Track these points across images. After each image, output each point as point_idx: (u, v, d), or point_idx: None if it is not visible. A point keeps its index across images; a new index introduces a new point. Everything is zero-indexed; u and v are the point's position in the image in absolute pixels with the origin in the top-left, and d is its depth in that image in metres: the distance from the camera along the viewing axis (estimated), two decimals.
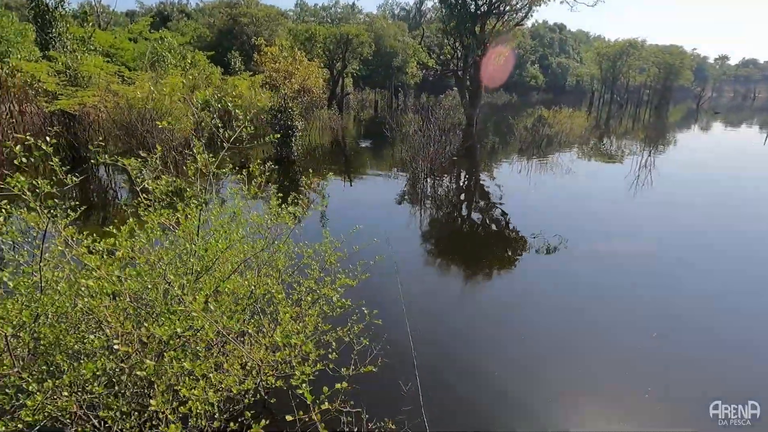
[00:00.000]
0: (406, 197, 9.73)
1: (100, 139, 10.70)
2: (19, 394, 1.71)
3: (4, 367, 1.66)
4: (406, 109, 16.09)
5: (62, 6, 12.88)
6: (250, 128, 2.84)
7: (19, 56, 15.43)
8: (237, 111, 2.89)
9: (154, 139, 11.51)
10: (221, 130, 2.76)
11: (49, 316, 1.80)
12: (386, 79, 42.52)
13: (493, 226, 8.03)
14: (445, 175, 12.03)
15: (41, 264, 1.89)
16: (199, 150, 2.55)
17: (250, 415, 1.98)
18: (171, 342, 1.80)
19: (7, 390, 1.71)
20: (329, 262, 3.07)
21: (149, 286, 1.89)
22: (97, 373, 1.68)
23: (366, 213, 8.59)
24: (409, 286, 5.13)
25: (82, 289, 1.75)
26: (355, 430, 2.77)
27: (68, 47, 12.81)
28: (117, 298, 1.93)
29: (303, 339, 2.06)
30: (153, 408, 1.57)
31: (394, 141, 12.65)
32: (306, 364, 2.12)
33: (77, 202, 2.38)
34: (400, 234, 7.38)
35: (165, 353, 1.84)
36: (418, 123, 11.56)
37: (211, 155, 3.16)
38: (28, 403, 1.61)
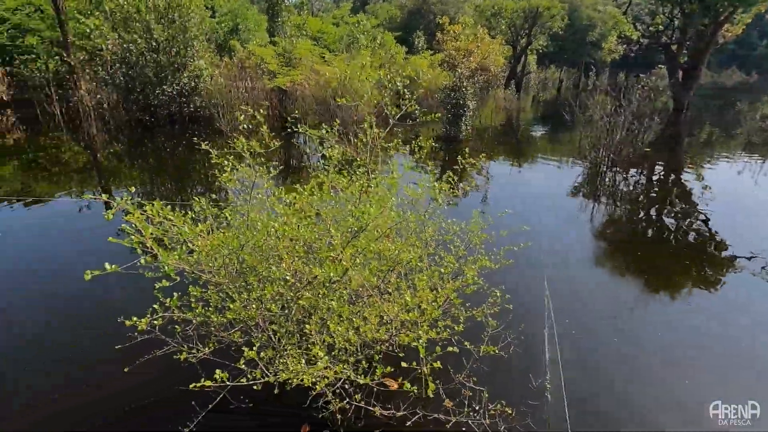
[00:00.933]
0: (578, 189, 8.81)
1: (296, 111, 12.69)
2: (227, 299, 2.36)
3: (221, 278, 2.32)
4: (596, 90, 14.27)
5: None
6: (414, 106, 3.02)
7: (255, 42, 19.30)
8: (404, 90, 3.09)
9: (342, 113, 13.10)
10: (390, 108, 3.01)
11: (250, 246, 2.37)
12: (577, 55, 38.13)
13: (690, 237, 6.63)
14: (633, 169, 10.38)
15: (248, 207, 2.50)
16: (368, 124, 2.86)
17: (378, 358, 2.25)
18: (326, 284, 2.18)
19: (220, 294, 2.39)
20: (473, 242, 3.11)
21: (317, 237, 2.31)
22: (275, 296, 2.19)
23: (528, 201, 8.11)
24: (559, 286, 4.74)
25: (270, 230, 2.25)
26: (476, 407, 2.82)
27: (288, 33, 15.40)
28: (293, 241, 2.40)
29: (434, 307, 2.21)
30: (307, 330, 1.97)
31: (573, 125, 11.46)
32: (434, 330, 2.28)
33: (278, 163, 2.99)
34: (560, 227, 6.80)
35: (320, 291, 2.24)
36: (606, 106, 10.19)
37: (381, 130, 3.49)
38: (231, 306, 2.22)
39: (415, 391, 2.30)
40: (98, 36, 14.18)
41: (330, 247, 2.22)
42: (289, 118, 4.75)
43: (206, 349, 2.28)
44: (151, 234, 1.94)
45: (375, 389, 3.16)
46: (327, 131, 3.02)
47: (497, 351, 2.50)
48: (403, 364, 2.16)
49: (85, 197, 4.45)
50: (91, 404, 3.05)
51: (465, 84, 12.40)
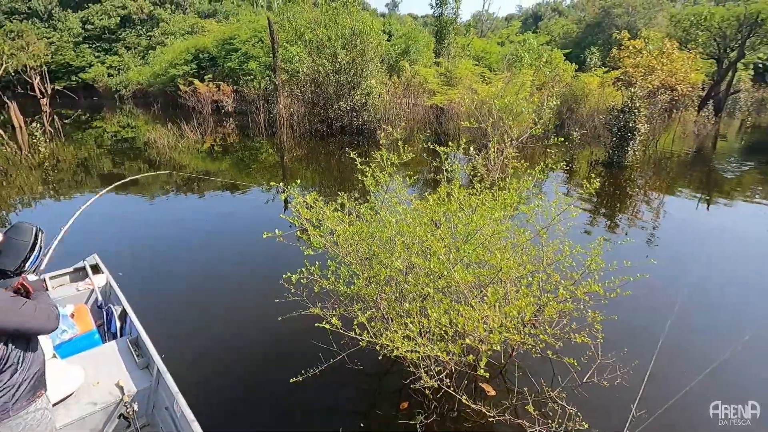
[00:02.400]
0: (759, 229, 7.13)
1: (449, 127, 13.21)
2: (353, 276, 2.97)
3: (352, 259, 2.93)
4: None
5: (456, 21, 16.35)
6: (538, 129, 3.15)
7: (421, 63, 20.79)
8: (523, 110, 3.25)
9: (494, 132, 13.18)
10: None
11: (376, 238, 2.91)
12: None
13: None
14: None
15: (380, 206, 3.06)
16: (493, 144, 3.12)
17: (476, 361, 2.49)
18: (430, 276, 2.55)
19: (349, 271, 3.04)
20: (589, 269, 3.06)
21: (430, 236, 2.70)
22: (388, 279, 2.67)
23: (700, 246, 6.93)
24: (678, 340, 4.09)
25: (392, 226, 2.74)
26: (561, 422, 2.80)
27: (452, 54, 16.21)
28: (409, 237, 2.84)
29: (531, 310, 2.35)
30: (407, 308, 2.38)
31: None
32: (522, 335, 2.42)
33: (424, 173, 3.47)
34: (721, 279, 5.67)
35: (422, 280, 2.62)
36: None
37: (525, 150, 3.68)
38: (356, 281, 2.79)
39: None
40: (297, 60, 17.32)
41: (437, 245, 2.58)
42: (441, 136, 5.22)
43: (334, 312, 2.89)
44: (307, 219, 2.65)
45: (473, 389, 3.39)
46: (466, 149, 3.36)
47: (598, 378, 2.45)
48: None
49: (272, 184, 5.90)
50: (250, 336, 4.09)
51: (638, 104, 11.16)
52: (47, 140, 16.35)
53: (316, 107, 17.51)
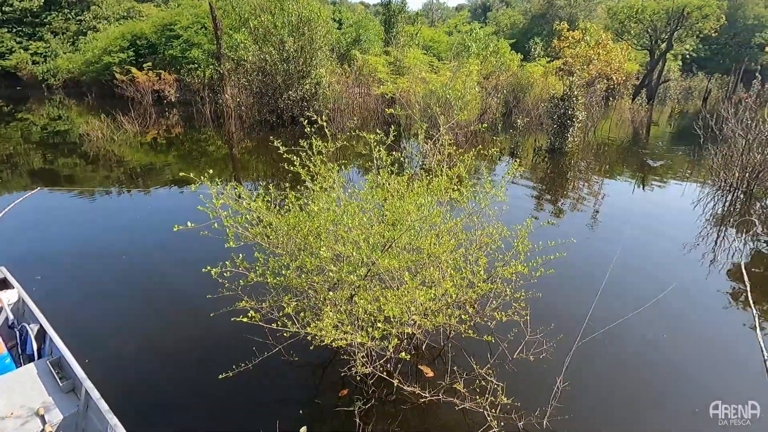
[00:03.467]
0: (689, 212, 7.78)
1: (402, 116, 13.30)
2: (283, 267, 2.93)
3: (280, 250, 2.88)
4: (761, 102, 12.19)
5: (404, 9, 16.32)
6: (464, 116, 3.22)
7: (372, 52, 20.63)
8: (452, 100, 3.32)
9: (447, 120, 13.38)
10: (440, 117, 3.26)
11: (306, 228, 2.88)
12: (736, 60, 32.52)
13: None
14: None
15: (311, 195, 3.04)
16: (420, 131, 3.17)
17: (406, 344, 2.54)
18: (355, 264, 2.57)
19: (280, 261, 2.97)
20: (517, 249, 3.20)
21: (357, 225, 2.72)
22: (318, 269, 2.66)
23: (622, 220, 7.44)
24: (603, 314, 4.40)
25: (318, 216, 2.73)
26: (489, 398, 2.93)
27: (401, 43, 16.21)
28: (340, 226, 2.84)
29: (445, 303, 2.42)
30: (330, 297, 2.39)
31: (703, 141, 10.00)
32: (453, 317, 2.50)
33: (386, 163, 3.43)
34: (645, 251, 6.15)
35: (346, 268, 2.64)
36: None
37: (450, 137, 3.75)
38: (285, 273, 2.75)
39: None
40: (242, 48, 16.67)
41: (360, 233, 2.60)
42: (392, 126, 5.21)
43: (264, 305, 2.85)
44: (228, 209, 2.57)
45: (414, 373, 3.47)
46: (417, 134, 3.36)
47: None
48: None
49: (182, 175, 5.68)
50: (184, 339, 3.95)
51: (575, 93, 11.71)
52: None
53: (264, 97, 16.96)
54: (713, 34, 26.38)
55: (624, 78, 16.57)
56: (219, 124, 18.03)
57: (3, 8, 33.44)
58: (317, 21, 16.18)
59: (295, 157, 3.14)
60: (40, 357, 2.91)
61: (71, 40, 32.79)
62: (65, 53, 31.20)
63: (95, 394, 2.33)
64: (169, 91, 22.91)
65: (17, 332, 3.15)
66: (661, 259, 5.92)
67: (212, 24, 18.91)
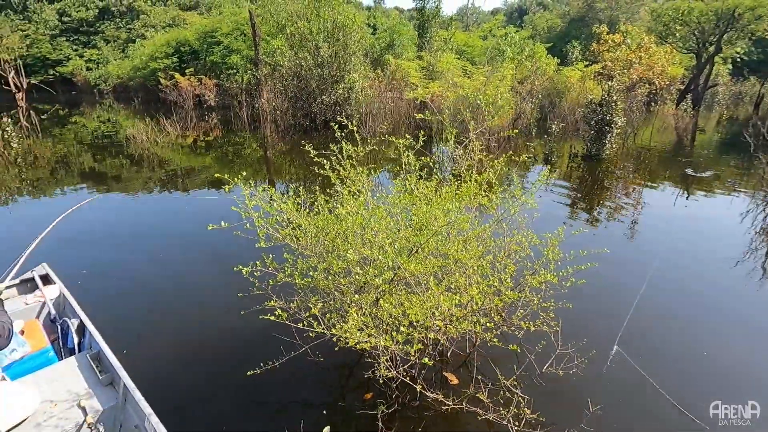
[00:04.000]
0: (736, 225, 7.33)
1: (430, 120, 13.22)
2: (311, 269, 2.99)
3: (308, 250, 2.95)
4: None
5: (438, 14, 16.31)
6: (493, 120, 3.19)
7: (406, 56, 20.73)
8: (483, 105, 3.28)
9: (477, 125, 13.23)
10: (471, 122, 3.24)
11: (335, 230, 2.93)
12: None
13: None
14: None
15: (342, 198, 3.08)
16: (450, 136, 3.16)
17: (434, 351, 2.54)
18: (381, 268, 2.59)
19: (308, 262, 3.03)
20: (547, 257, 3.12)
21: (385, 228, 2.73)
22: (345, 271, 2.70)
23: (662, 231, 7.09)
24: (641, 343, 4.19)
25: (347, 218, 2.77)
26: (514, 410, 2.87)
27: (434, 47, 16.19)
28: (365, 230, 2.87)
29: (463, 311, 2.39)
30: (356, 299, 2.42)
31: (754, 150, 9.41)
32: (478, 325, 2.47)
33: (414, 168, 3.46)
34: (685, 264, 5.82)
35: (371, 271, 2.66)
36: None
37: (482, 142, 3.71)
38: (313, 274, 2.81)
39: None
40: (279, 54, 17.15)
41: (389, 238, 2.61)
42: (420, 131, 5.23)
43: (292, 304, 2.91)
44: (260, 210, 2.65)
45: (438, 379, 3.45)
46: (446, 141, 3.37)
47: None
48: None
49: (217, 176, 5.86)
50: (214, 328, 4.09)
51: (615, 98, 11.31)
52: (23, 136, 15.97)
53: (299, 101, 17.37)
54: (767, 36, 24.80)
55: (667, 83, 15.84)
56: (255, 128, 18.59)
57: (62, 18, 35.92)
58: (352, 27, 16.42)
59: (325, 161, 3.20)
60: (80, 351, 3.01)
61: (122, 47, 34.77)
62: (116, 60, 33.11)
63: (133, 387, 2.41)
64: (209, 96, 23.85)
65: (59, 326, 3.28)
66: (703, 272, 5.61)
67: (251, 30, 19.60)
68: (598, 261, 3.30)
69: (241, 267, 2.72)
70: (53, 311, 3.38)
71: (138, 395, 2.36)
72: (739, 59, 30.13)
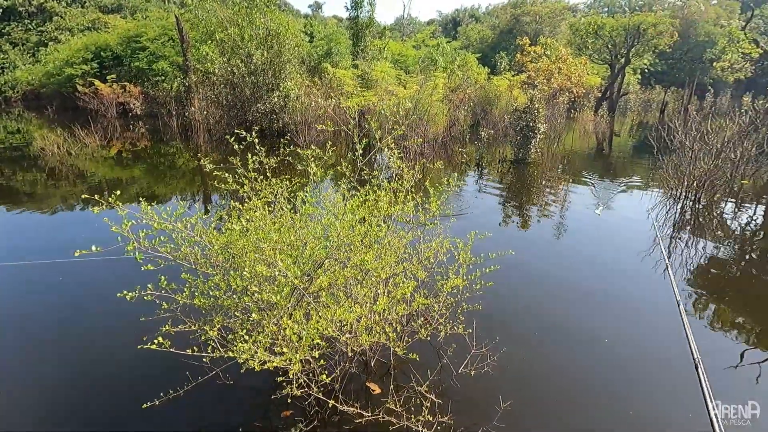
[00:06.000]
0: (643, 221, 8.07)
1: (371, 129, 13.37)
2: (212, 288, 2.84)
3: (212, 270, 2.79)
4: (713, 113, 12.99)
5: (371, 24, 16.51)
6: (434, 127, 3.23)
7: (343, 65, 20.76)
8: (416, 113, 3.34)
9: (412, 132, 13.51)
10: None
11: (236, 246, 2.82)
12: (690, 75, 34.33)
13: None
14: (726, 202, 9.22)
15: (238, 215, 2.98)
16: (359, 145, 3.16)
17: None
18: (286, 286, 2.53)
19: (212, 280, 2.89)
20: (461, 261, 3.21)
21: (290, 243, 2.68)
22: (243, 288, 2.61)
23: (576, 228, 7.64)
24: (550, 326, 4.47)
25: (250, 234, 2.67)
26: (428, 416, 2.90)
27: (369, 56, 16.37)
28: (267, 244, 2.79)
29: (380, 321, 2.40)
30: (255, 317, 2.34)
31: (657, 150, 10.44)
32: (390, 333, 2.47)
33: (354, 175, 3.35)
34: (595, 257, 6.33)
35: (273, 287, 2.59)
36: (729, 130, 8.99)
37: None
38: (213, 293, 2.67)
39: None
40: (209, 61, 16.49)
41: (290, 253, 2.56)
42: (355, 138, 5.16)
43: (194, 326, 2.74)
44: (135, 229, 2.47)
45: (361, 390, 3.41)
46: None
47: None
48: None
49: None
50: (101, 365, 3.75)
51: (536, 105, 12.07)
52: None
53: (233, 110, 16.78)
54: (668, 50, 27.84)
55: (585, 91, 17.22)
56: (187, 137, 17.67)
57: None
58: (286, 34, 16.19)
59: (227, 174, 3.08)
60: None
61: (31, 51, 31.72)
62: (25, 65, 30.13)
63: None
64: (134, 104, 22.37)
65: None
66: (611, 265, 6.09)
67: (179, 36, 18.69)
68: (512, 262, 3.44)
69: (126, 293, 2.51)
70: None
71: None
72: (646, 70, 33.48)
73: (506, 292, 4.78)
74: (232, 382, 3.14)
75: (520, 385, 3.46)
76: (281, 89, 16.00)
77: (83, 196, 3.89)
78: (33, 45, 32.09)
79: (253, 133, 3.32)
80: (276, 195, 3.30)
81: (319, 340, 2.34)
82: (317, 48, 23.62)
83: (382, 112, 10.65)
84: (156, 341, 2.31)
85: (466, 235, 3.61)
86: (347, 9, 17.44)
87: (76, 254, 2.29)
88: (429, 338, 3.14)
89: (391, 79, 14.55)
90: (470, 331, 3.20)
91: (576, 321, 4.52)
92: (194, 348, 2.50)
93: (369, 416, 2.90)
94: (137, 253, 2.46)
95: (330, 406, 3.19)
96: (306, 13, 54.56)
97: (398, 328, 2.81)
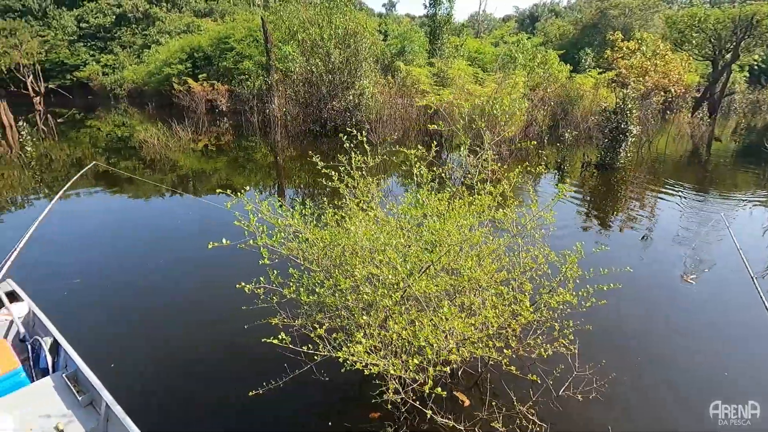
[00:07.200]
0: (758, 237, 7.06)
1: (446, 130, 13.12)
2: (317, 285, 2.87)
3: (314, 266, 2.84)
4: None
5: (450, 21, 16.22)
6: (511, 132, 3.05)
7: (417, 63, 20.66)
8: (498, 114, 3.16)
9: (492, 134, 13.06)
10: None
11: (342, 245, 2.82)
12: None
13: None
14: None
15: (348, 211, 2.98)
16: (464, 145, 3.03)
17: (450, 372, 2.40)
18: (391, 287, 2.47)
19: (314, 278, 2.92)
20: (566, 274, 2.96)
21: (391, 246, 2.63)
22: (352, 288, 2.59)
23: (680, 243, 6.84)
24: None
25: (354, 234, 2.66)
26: None
27: (446, 54, 16.10)
28: (376, 245, 2.75)
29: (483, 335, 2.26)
30: (362, 321, 2.31)
31: None
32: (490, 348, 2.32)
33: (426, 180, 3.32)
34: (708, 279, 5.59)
35: (381, 290, 2.53)
36: None
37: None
38: (319, 290, 2.70)
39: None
40: (290, 60, 17.22)
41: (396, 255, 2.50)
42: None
43: (297, 321, 2.80)
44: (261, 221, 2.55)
45: (449, 399, 3.30)
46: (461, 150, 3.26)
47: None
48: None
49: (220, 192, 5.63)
50: (211, 344, 3.98)
51: (629, 106, 11.08)
52: (39, 139, 16.21)
53: (309, 107, 17.41)
54: None
55: (683, 90, 15.51)
56: (265, 133, 18.66)
57: (80, 24, 36.67)
58: (363, 33, 16.44)
59: (333, 172, 3.11)
60: (54, 371, 2.83)
61: (137, 53, 35.32)
62: (131, 65, 33.62)
63: (116, 407, 2.26)
64: (221, 101, 24.05)
65: (29, 346, 3.08)
66: (730, 287, 5.38)
67: (263, 37, 19.73)
68: (620, 280, 3.12)
69: (243, 284, 2.62)
70: (22, 330, 3.16)
71: (122, 415, 2.21)
72: (756, 67, 29.55)
73: (606, 310, 4.39)
74: (326, 378, 3.18)
75: (633, 416, 3.14)
76: (356, 87, 16.28)
77: (217, 190, 4.25)
78: (138, 47, 35.73)
79: (360, 134, 3.30)
80: (372, 196, 3.28)
81: (429, 351, 2.26)
82: (391, 46, 23.75)
83: (461, 111, 10.35)
84: (279, 337, 2.38)
85: (562, 245, 3.34)
86: (425, 6, 17.27)
87: (210, 246, 2.45)
88: (531, 354, 2.94)
89: (468, 77, 14.17)
90: (574, 350, 2.94)
91: (686, 353, 4.04)
92: (306, 346, 2.54)
93: (464, 431, 2.78)
94: (262, 249, 2.56)
95: (419, 413, 3.13)
96: (380, 11, 55.18)
97: (513, 344, 2.65)
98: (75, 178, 7.88)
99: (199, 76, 24.83)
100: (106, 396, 2.32)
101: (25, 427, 2.22)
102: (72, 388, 2.47)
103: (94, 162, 10.31)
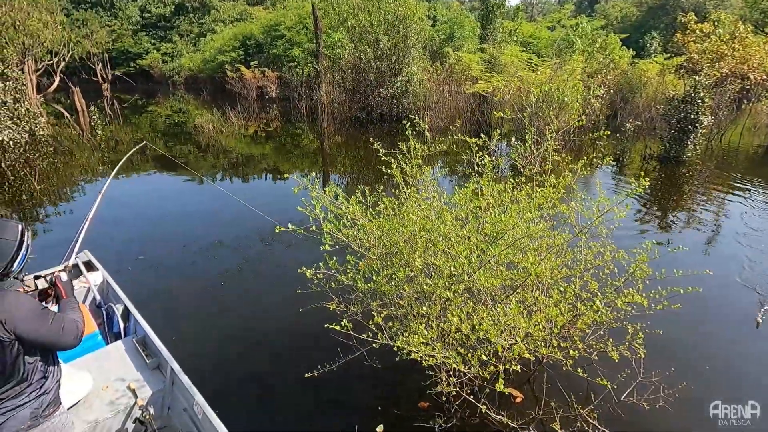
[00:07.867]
0: None
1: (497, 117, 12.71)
2: (373, 272, 2.87)
3: (371, 253, 2.84)
4: None
5: (503, 5, 15.57)
6: (583, 120, 2.87)
7: (466, 49, 20.09)
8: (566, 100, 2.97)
9: (539, 121, 12.51)
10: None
11: (399, 233, 2.79)
12: None
13: None
14: None
15: (405, 199, 2.93)
16: (529, 136, 2.89)
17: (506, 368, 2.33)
18: (452, 278, 2.41)
19: (370, 266, 2.93)
20: (632, 276, 2.77)
21: (454, 236, 2.55)
22: (409, 277, 2.56)
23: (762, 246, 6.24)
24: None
25: (412, 222, 2.61)
26: None
27: (498, 39, 15.50)
28: (433, 235, 2.70)
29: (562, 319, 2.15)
30: (424, 311, 2.27)
31: None
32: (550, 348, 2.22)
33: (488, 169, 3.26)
34: None
35: (441, 282, 2.48)
36: None
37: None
38: (375, 278, 2.70)
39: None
40: (339, 47, 17.27)
41: (459, 246, 2.43)
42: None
43: (352, 308, 2.82)
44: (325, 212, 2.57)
45: (498, 394, 3.23)
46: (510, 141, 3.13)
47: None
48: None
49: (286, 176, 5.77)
50: (268, 322, 4.11)
51: (702, 94, 10.19)
52: (107, 123, 17.40)
53: (356, 94, 17.45)
54: None
55: (764, 77, 14.00)
56: (313, 119, 18.94)
57: (143, 14, 38.71)
58: (412, 18, 16.16)
59: (392, 160, 3.07)
60: (125, 335, 3.05)
61: (194, 41, 36.85)
62: (188, 53, 35.16)
63: (180, 371, 2.42)
64: (270, 88, 24.66)
65: (104, 311, 3.34)
66: None
67: (313, 24, 19.91)
68: (694, 284, 2.88)
69: (305, 269, 2.66)
70: (98, 297, 3.43)
71: (185, 379, 2.38)
72: None
73: (672, 314, 4.11)
74: (378, 365, 3.20)
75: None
76: (404, 74, 16.10)
77: (285, 175, 4.47)
78: (195, 36, 37.27)
79: (422, 122, 3.23)
80: (428, 185, 3.22)
81: (500, 347, 2.20)
82: (439, 32, 23.22)
83: (528, 98, 9.96)
84: (341, 324, 2.41)
85: (622, 242, 3.13)
86: None
87: (277, 230, 2.53)
88: (592, 354, 2.80)
89: (522, 63, 13.59)
90: (642, 354, 2.76)
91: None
92: (366, 334, 2.56)
93: (518, 428, 2.71)
94: (326, 236, 2.60)
95: (469, 407, 3.08)
96: None
97: (580, 345, 2.54)
98: (125, 158, 8.38)
99: (251, 64, 25.53)
100: (172, 362, 2.50)
101: (101, 384, 2.44)
102: (141, 352, 2.67)
103: (144, 142, 11.24)
